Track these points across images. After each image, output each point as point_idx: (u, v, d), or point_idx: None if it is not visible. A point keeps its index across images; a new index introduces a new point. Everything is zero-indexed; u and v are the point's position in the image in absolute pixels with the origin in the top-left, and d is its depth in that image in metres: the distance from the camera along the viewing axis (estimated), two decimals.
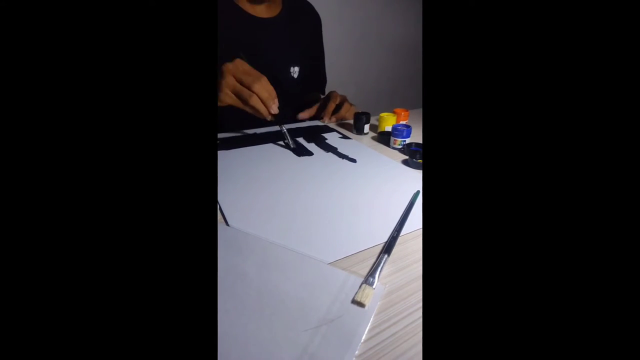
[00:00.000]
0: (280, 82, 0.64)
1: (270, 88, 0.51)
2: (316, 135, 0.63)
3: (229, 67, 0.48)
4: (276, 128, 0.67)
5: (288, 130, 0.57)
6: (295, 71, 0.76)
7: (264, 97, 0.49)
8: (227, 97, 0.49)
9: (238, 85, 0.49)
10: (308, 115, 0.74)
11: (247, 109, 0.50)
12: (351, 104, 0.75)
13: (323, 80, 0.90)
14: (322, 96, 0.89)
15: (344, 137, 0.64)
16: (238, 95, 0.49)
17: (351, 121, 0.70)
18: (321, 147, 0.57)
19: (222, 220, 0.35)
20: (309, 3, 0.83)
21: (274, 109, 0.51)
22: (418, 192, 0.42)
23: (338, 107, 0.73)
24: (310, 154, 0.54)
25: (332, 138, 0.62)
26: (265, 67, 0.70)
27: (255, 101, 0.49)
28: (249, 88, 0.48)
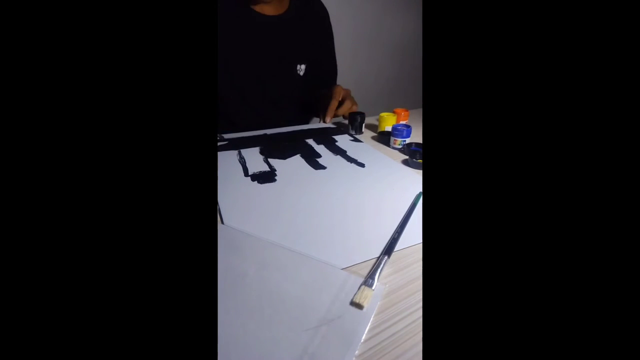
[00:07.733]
0: (284, 81, 0.63)
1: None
2: (326, 137, 0.62)
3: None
4: (277, 130, 0.66)
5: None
6: (301, 69, 0.75)
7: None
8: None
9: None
10: (329, 118, 0.72)
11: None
12: (354, 102, 0.73)
13: (333, 74, 0.87)
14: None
15: (355, 139, 0.61)
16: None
17: (346, 121, 0.69)
18: (330, 150, 0.56)
19: (222, 221, 0.35)
20: None
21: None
22: (420, 193, 0.41)
23: (340, 104, 0.70)
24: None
25: (342, 140, 0.61)
26: (270, 66, 0.70)
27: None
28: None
